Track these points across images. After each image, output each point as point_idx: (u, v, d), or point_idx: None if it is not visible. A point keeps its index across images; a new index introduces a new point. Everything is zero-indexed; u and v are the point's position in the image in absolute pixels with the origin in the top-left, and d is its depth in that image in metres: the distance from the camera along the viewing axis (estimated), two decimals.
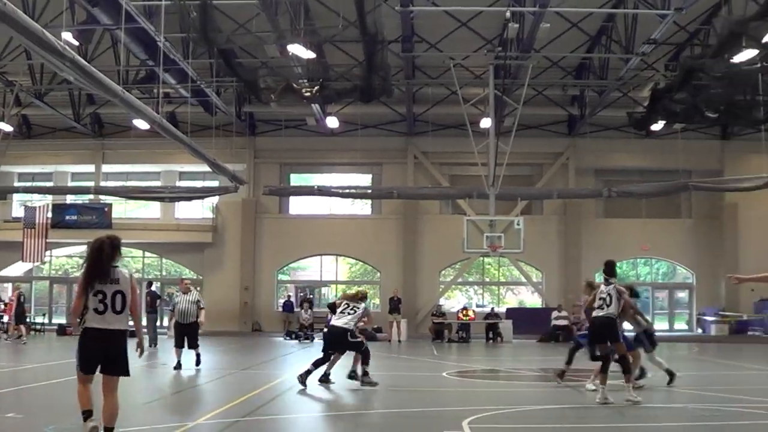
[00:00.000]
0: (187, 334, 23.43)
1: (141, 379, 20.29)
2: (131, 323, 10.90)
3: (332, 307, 20.63)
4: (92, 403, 10.59)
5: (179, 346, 23.38)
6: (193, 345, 23.45)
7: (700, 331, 50.64)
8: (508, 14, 32.88)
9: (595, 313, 16.71)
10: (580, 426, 13.79)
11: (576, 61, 44.56)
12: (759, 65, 36.80)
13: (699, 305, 52.27)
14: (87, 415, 10.53)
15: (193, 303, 23.50)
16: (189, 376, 21.11)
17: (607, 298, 16.47)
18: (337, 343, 19.64)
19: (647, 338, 19.14)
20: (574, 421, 14.26)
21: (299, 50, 34.42)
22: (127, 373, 10.77)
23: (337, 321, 19.63)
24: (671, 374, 19.24)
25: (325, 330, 20.56)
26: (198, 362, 23.28)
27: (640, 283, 51.39)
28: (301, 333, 42.72)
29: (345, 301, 19.89)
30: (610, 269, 16.96)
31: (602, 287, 16.76)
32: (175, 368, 22.69)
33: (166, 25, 30.02)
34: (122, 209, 52.16)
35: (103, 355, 10.59)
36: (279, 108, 43.81)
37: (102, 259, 10.60)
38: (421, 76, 45.19)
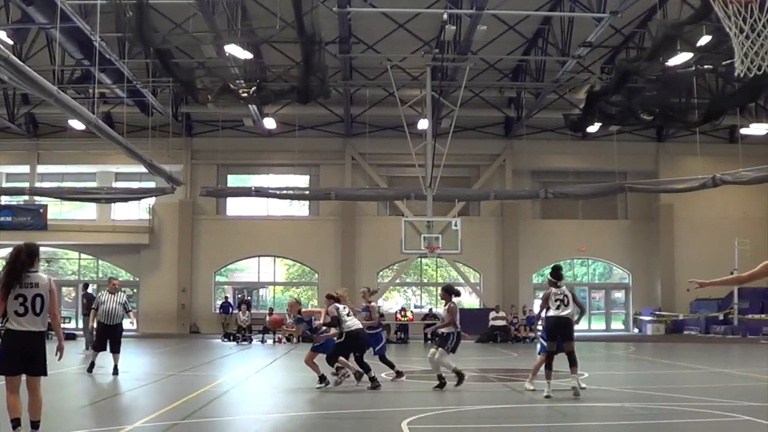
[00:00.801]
0: (110, 336, 22.26)
1: (77, 383, 20.08)
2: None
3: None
4: (20, 411, 10.66)
5: (100, 348, 22.31)
6: (115, 349, 22.14)
7: (636, 330, 51.12)
8: (445, 16, 32.92)
9: (552, 313, 17.47)
10: (519, 425, 13.83)
11: (513, 63, 44.83)
12: (693, 68, 37.23)
13: (636, 305, 52.76)
14: (15, 423, 10.67)
15: (120, 304, 22.55)
16: (125, 380, 20.87)
17: (565, 299, 17.37)
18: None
19: None
20: (512, 420, 14.30)
21: (236, 50, 34.29)
22: (44, 373, 11.03)
23: (357, 323, 19.68)
24: None
25: (352, 333, 19.79)
26: (115, 371, 21.65)
27: (577, 284, 51.85)
28: (239, 335, 42.50)
29: (346, 304, 19.75)
30: (556, 273, 17.86)
31: (553, 289, 17.55)
32: (88, 370, 21.83)
33: (101, 24, 29.77)
34: (58, 210, 51.70)
35: (24, 355, 10.84)
36: (216, 109, 43.70)
37: (18, 265, 10.89)
38: (359, 77, 45.17)
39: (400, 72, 42.34)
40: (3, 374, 10.91)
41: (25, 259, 10.95)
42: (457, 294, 19.94)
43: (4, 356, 10.86)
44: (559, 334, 17.38)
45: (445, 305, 19.51)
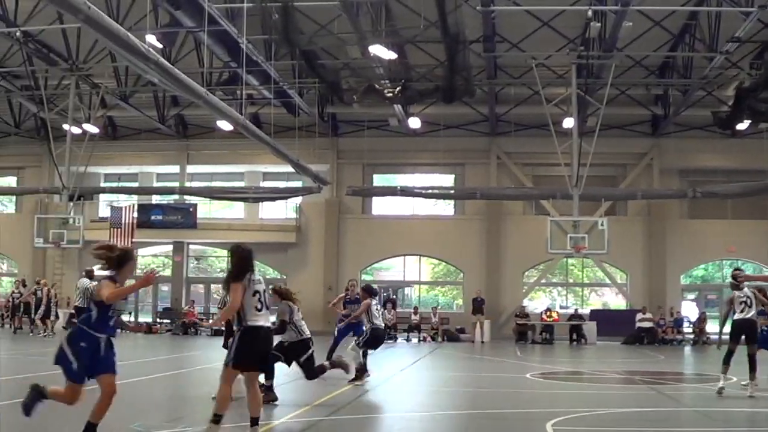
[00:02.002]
0: None
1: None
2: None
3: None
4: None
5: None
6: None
7: None
8: (590, 13, 32.64)
9: (737, 316, 17.80)
10: (664, 429, 13.64)
11: (659, 60, 44.12)
12: None
13: None
14: (219, 419, 11.11)
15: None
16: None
17: (748, 301, 17.68)
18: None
19: None
20: (657, 424, 14.10)
21: (381, 51, 34.46)
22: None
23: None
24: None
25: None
26: None
27: (726, 285, 50.85)
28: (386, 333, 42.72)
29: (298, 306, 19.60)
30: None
31: (736, 292, 17.91)
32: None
33: (248, 26, 30.32)
34: (207, 209, 52.68)
35: (264, 352, 11.47)
36: (361, 109, 44.01)
37: (251, 262, 11.72)
38: (503, 76, 45.04)
39: (544, 70, 42.03)
40: (239, 368, 11.26)
41: (252, 257, 11.69)
42: (375, 294, 20.59)
43: (244, 352, 11.15)
44: (745, 336, 17.66)
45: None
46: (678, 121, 47.71)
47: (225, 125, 38.68)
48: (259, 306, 11.30)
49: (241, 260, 11.52)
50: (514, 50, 41.09)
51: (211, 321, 40.30)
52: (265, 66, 36.70)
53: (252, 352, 11.17)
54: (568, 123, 40.46)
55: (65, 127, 42.27)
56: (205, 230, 50.39)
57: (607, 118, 41.49)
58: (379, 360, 27.54)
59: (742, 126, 44.32)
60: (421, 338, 42.80)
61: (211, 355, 25.55)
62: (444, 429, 14.19)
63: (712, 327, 42.54)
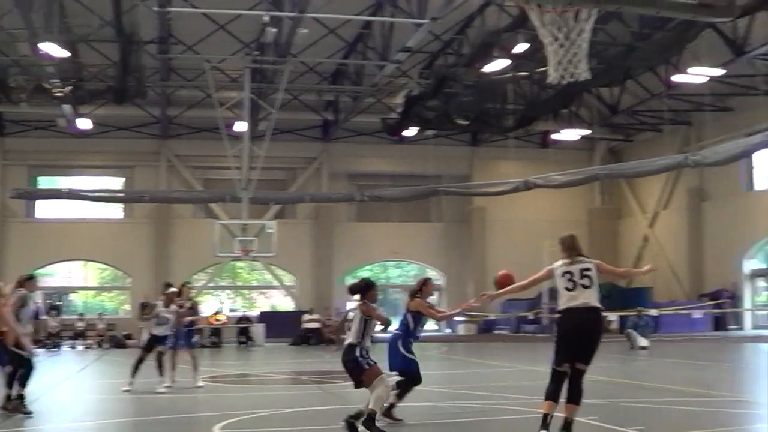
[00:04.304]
0: None
1: None
2: None
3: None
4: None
5: None
6: None
7: (449, 330, 51.80)
8: (266, 18, 32.79)
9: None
10: (331, 427, 13.81)
11: (332, 66, 44.94)
12: (509, 75, 38.10)
13: (449, 306, 53.44)
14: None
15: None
16: None
17: None
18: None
19: None
20: (323, 422, 14.26)
21: (52, 49, 33.40)
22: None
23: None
24: None
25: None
26: None
27: (391, 285, 52.45)
28: (49, 341, 41.30)
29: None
30: None
31: None
32: None
33: None
34: None
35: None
36: (30, 108, 42.49)
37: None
38: (177, 78, 44.67)
39: (219, 74, 42.02)
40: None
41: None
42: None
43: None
44: None
45: None
46: (348, 126, 48.93)
47: None
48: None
49: None
50: (189, 52, 40.81)
51: None
52: None
53: None
54: (240, 127, 40.54)
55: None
56: None
57: (280, 122, 42.05)
58: (41, 369, 26.75)
59: (410, 132, 45.96)
60: (87, 345, 41.81)
61: None
62: None
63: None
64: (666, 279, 48.30)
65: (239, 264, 50.99)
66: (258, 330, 44.09)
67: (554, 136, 49.79)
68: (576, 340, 10.97)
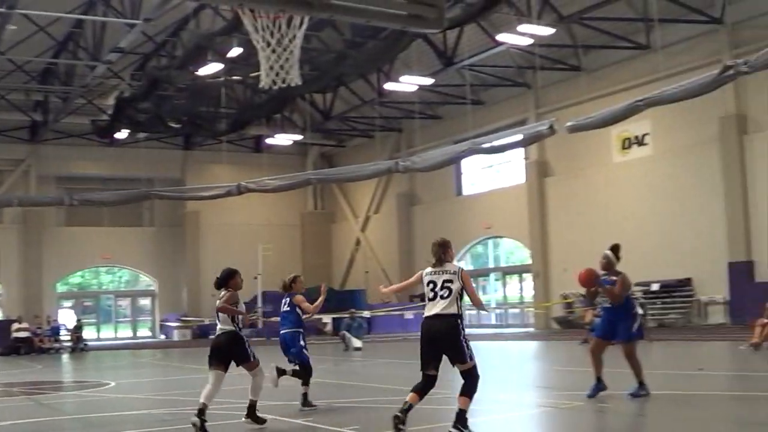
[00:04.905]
0: None
1: None
2: None
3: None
4: None
5: None
6: None
7: (163, 337, 51.36)
8: None
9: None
10: None
11: (42, 65, 43.74)
12: (222, 78, 38.13)
13: (162, 311, 53.06)
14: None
15: None
16: None
17: None
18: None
19: None
20: None
21: None
22: None
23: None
24: None
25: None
26: None
27: (103, 292, 51.59)
28: None
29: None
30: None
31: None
32: None
33: None
34: None
35: None
36: None
37: None
38: None
39: None
40: None
41: None
42: None
43: None
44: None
45: None
46: (57, 128, 47.85)
47: None
48: None
49: None
50: None
51: None
52: None
53: None
54: None
55: None
56: None
57: None
58: None
59: (121, 135, 45.32)
60: None
61: None
62: None
63: (89, 334, 42.99)
64: (378, 280, 49.38)
65: None
66: None
67: (268, 141, 50.25)
68: (429, 347, 11.20)
